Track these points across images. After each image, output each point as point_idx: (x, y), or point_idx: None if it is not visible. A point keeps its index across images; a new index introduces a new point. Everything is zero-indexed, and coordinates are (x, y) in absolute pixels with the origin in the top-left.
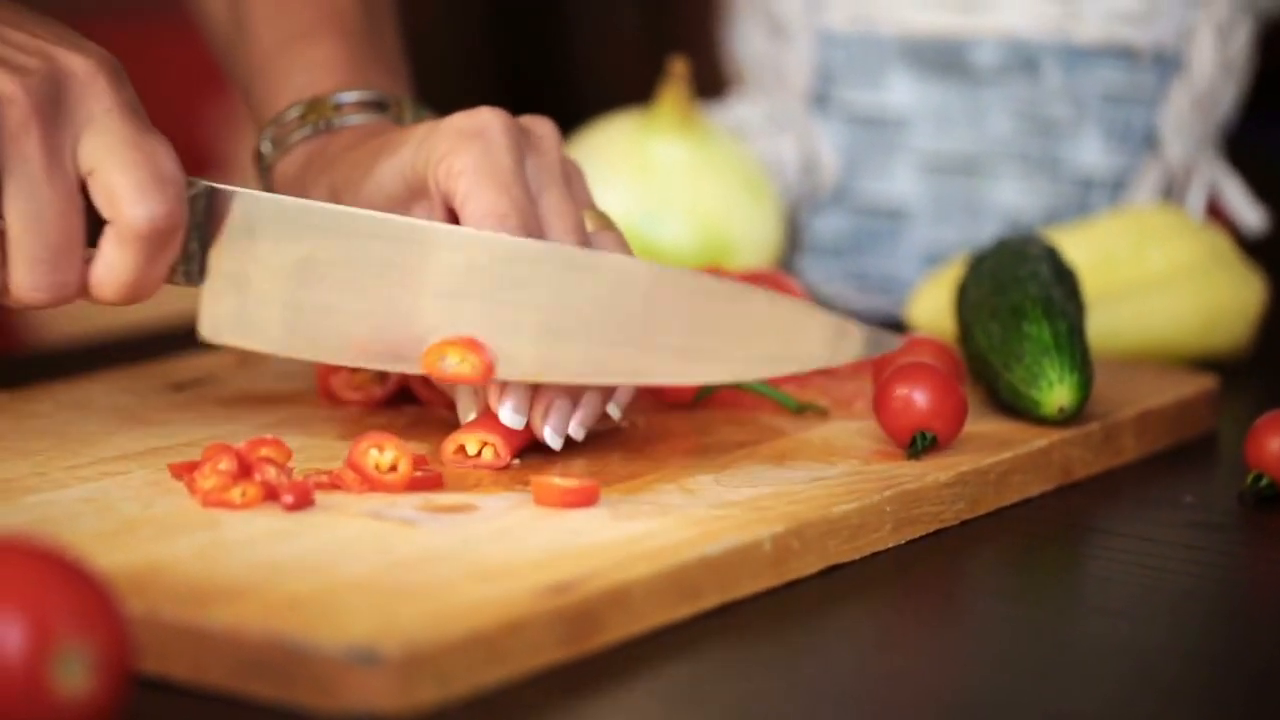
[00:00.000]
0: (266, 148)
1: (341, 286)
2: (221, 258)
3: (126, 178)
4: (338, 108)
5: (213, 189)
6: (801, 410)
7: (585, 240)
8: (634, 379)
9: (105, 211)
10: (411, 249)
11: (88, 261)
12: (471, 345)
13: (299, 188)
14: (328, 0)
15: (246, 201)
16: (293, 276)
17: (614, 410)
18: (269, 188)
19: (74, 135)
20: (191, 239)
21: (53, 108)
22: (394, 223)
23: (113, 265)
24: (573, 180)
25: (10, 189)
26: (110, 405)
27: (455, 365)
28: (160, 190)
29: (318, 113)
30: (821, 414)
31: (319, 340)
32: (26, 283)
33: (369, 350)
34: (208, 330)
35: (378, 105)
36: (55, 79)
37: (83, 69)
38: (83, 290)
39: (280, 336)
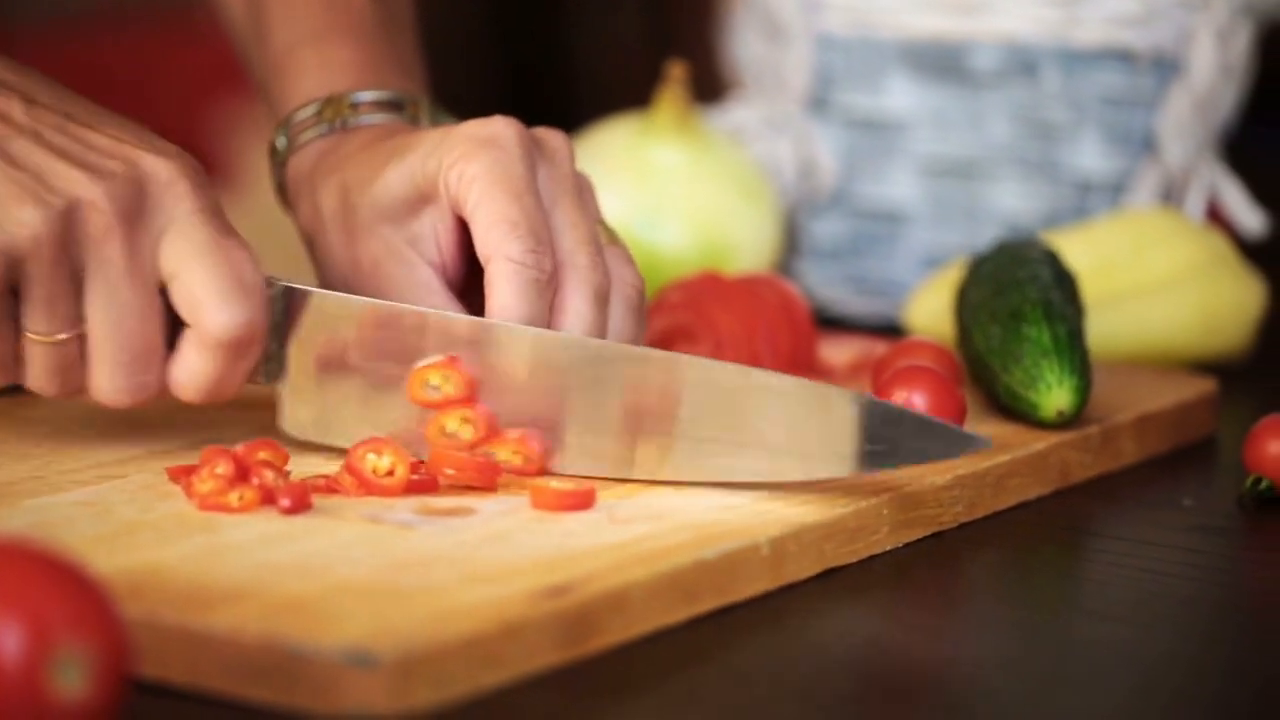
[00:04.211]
0: (281, 143)
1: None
2: (300, 356)
3: (208, 285)
4: (354, 106)
5: (290, 288)
6: None
7: (598, 252)
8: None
9: (186, 317)
10: (486, 349)
11: (167, 361)
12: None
13: (310, 185)
14: (344, 1)
15: (322, 301)
16: (364, 373)
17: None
18: (281, 183)
19: (155, 239)
20: (270, 339)
21: (135, 212)
22: (465, 322)
23: (193, 369)
24: (584, 194)
25: (92, 293)
26: (108, 409)
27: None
28: (242, 298)
29: (334, 111)
30: None
31: (394, 436)
32: (107, 385)
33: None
34: (291, 428)
35: (394, 105)
36: (137, 183)
37: (165, 172)
38: (163, 390)
39: (359, 432)
